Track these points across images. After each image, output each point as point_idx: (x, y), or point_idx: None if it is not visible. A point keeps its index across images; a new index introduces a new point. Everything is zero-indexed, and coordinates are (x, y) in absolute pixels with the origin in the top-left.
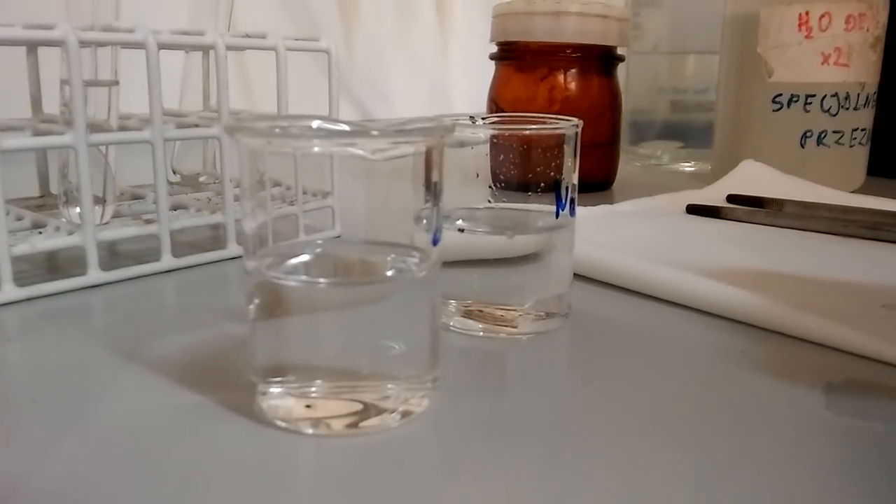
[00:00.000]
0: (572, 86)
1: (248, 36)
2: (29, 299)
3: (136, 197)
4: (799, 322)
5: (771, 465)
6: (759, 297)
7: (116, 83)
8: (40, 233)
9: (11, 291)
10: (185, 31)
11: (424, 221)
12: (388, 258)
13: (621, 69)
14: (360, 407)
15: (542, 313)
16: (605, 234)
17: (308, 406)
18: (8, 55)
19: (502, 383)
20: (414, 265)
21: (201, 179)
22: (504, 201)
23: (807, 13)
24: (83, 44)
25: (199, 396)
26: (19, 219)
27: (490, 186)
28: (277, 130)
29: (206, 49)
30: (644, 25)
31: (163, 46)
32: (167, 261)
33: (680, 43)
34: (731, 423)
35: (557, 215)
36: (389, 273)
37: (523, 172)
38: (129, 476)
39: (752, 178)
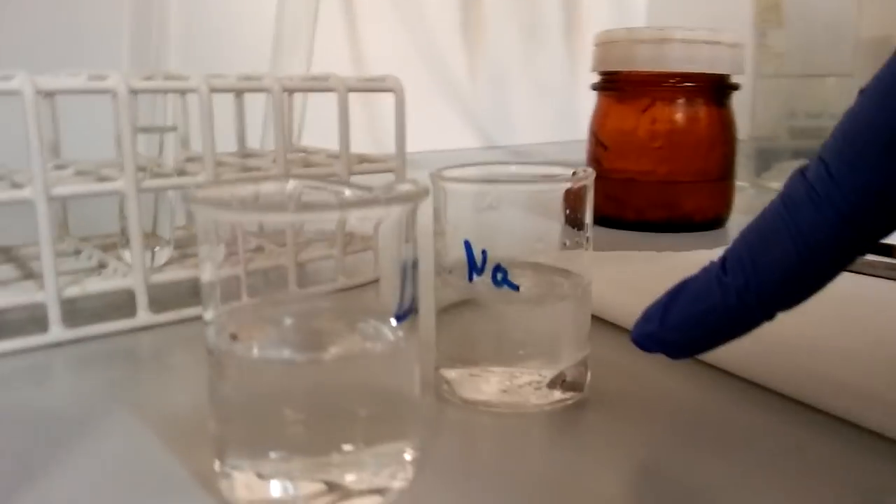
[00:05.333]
0: (677, 117)
1: (314, 79)
2: (75, 341)
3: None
4: None
5: None
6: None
7: (175, 129)
8: (100, 274)
9: (59, 332)
10: (248, 77)
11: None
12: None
13: (744, 95)
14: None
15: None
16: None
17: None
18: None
19: None
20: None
21: None
22: None
23: None
24: (134, 92)
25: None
26: (89, 258)
27: None
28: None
29: (263, 91)
30: (772, 47)
31: (215, 90)
32: None
33: (811, 65)
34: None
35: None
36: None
37: None
38: None
39: None
